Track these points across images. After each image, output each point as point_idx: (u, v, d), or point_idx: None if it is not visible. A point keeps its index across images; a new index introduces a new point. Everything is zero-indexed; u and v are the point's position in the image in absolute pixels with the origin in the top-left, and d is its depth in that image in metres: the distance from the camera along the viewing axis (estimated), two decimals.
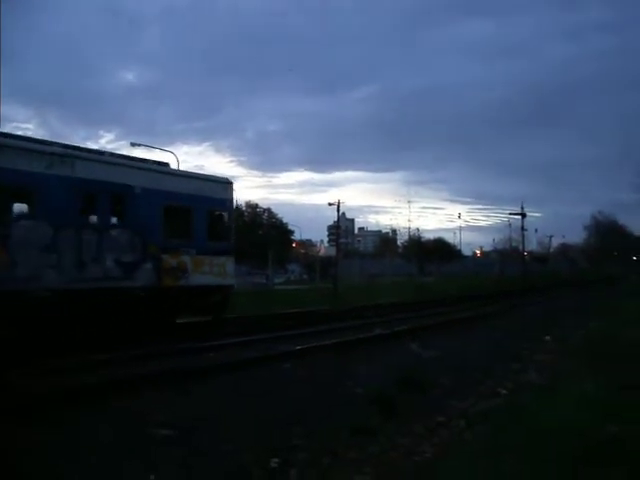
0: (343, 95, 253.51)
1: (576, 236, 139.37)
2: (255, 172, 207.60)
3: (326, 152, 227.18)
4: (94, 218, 16.27)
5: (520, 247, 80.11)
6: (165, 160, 19.89)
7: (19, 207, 15.61)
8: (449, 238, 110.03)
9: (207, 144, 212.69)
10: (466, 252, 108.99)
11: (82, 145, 16.71)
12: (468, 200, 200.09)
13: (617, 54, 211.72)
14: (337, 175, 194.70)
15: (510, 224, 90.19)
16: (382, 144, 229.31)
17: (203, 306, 19.11)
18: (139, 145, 36.67)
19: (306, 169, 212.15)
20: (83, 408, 8.62)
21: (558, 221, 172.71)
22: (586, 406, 7.83)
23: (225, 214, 19.97)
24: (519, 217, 72.15)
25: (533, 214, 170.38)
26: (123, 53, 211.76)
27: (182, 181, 18.55)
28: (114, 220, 16.79)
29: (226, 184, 20.08)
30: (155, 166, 18.38)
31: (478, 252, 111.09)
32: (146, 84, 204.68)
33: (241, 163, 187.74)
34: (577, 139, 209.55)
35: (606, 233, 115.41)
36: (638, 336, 14.78)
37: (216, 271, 18.97)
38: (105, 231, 16.02)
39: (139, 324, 16.59)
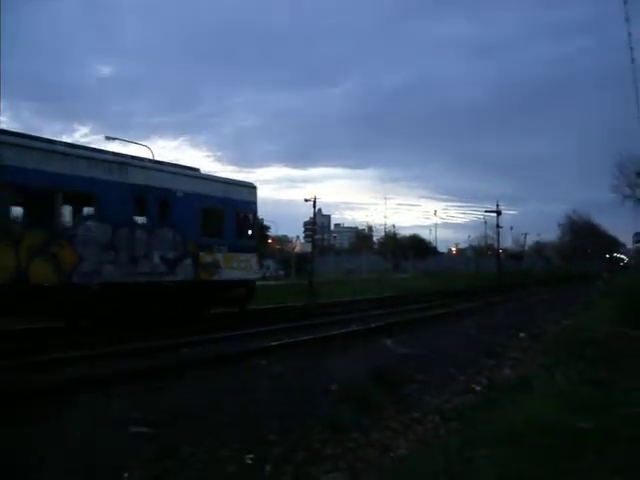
0: (321, 91, 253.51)
1: (551, 234, 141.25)
2: (231, 167, 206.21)
3: (303, 148, 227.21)
4: (143, 219, 18.07)
5: (495, 244, 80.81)
6: (192, 165, 21.68)
7: (84, 209, 17.40)
8: (425, 235, 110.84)
9: (183, 138, 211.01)
10: (442, 249, 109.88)
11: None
12: (444, 197, 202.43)
13: (595, 54, 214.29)
14: (314, 171, 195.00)
15: (485, 221, 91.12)
16: (359, 140, 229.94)
17: (231, 298, 21.25)
18: (114, 139, 36.20)
19: (283, 165, 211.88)
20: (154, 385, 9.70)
21: (533, 219, 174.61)
22: (558, 401, 7.91)
23: (250, 215, 22.19)
24: (494, 214, 72.65)
25: (508, 212, 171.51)
26: (99, 46, 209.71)
27: (215, 185, 20.70)
28: (160, 221, 18.46)
29: (251, 188, 22.34)
30: (193, 172, 20.48)
31: (454, 249, 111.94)
32: (122, 77, 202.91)
33: (217, 158, 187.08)
34: (553, 138, 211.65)
35: (580, 231, 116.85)
36: (609, 332, 14.97)
37: (243, 267, 21.27)
38: (152, 231, 18.00)
39: (179, 314, 18.67)
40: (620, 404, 7.70)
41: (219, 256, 20.21)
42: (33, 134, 16.57)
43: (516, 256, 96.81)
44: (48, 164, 15.35)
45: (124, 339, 15.10)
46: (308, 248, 60.16)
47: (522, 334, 18.52)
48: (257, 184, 22.68)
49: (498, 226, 73.65)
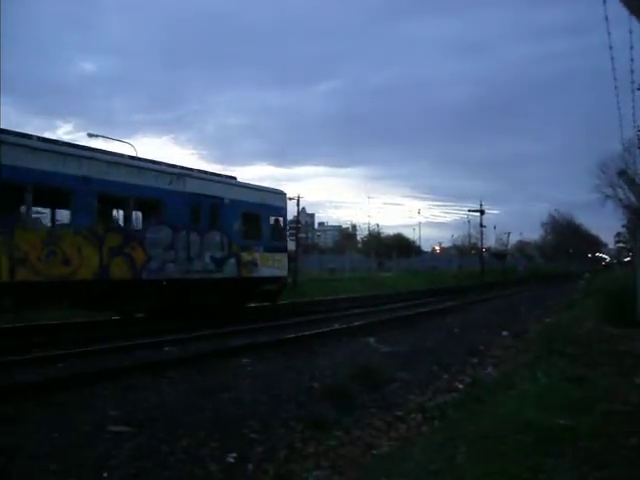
0: (305, 89, 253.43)
1: (534, 233, 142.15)
2: (216, 166, 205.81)
3: (287, 146, 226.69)
4: (197, 223, 20.13)
5: (479, 243, 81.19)
6: (231, 174, 23.89)
7: (151, 215, 19.38)
8: (408, 234, 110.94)
9: (167, 137, 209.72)
10: (425, 248, 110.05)
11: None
12: (428, 196, 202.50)
13: (578, 55, 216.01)
14: (298, 169, 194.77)
15: (469, 220, 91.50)
16: (344, 139, 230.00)
17: (265, 293, 23.51)
18: (97, 136, 35.79)
19: (267, 163, 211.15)
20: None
21: (516, 218, 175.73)
22: (539, 399, 7.94)
23: (281, 219, 24.52)
24: (478, 214, 73.04)
25: (492, 211, 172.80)
26: (81, 42, 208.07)
27: (253, 193, 23.05)
28: (210, 225, 20.72)
29: (282, 195, 24.92)
30: (236, 181, 22.99)
31: (437, 248, 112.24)
32: (105, 74, 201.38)
33: (202, 156, 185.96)
34: (537, 138, 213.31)
35: (562, 231, 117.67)
36: (590, 331, 15.07)
37: (276, 265, 23.63)
38: (204, 234, 20.30)
39: (224, 307, 21.16)
40: (600, 401, 7.74)
41: (257, 255, 22.61)
42: (115, 152, 19.52)
43: (499, 255, 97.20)
44: (126, 177, 17.74)
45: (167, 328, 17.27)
46: (292, 247, 60.15)
47: (505, 332, 18.61)
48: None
49: (481, 225, 74.19)
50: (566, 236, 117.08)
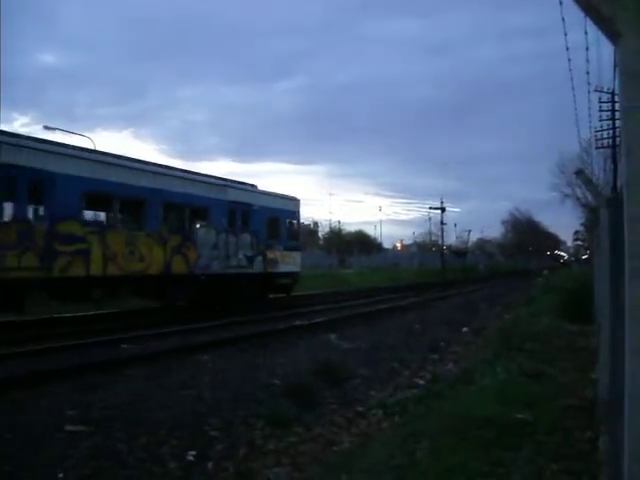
0: (270, 86, 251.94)
1: (494, 231, 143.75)
2: (178, 161, 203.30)
3: (251, 142, 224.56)
4: (233, 226, 23.38)
5: (440, 241, 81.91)
6: (249, 182, 26.65)
7: (200, 220, 22.63)
8: (370, 231, 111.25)
9: (128, 131, 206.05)
10: (387, 245, 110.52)
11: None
12: (390, 194, 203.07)
13: (541, 57, 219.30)
14: (261, 166, 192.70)
15: (430, 218, 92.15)
16: (307, 136, 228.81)
17: (282, 286, 26.79)
18: (54, 129, 34.99)
19: (230, 159, 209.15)
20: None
21: (477, 216, 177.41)
22: (498, 394, 8.03)
23: (295, 222, 28.16)
24: (439, 211, 73.56)
25: (453, 209, 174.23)
26: (41, 33, 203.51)
27: (275, 199, 26.47)
28: (242, 228, 23.98)
29: (297, 201, 28.40)
30: (262, 190, 26.48)
31: (398, 245, 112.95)
32: (64, 67, 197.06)
33: (163, 151, 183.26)
34: (498, 138, 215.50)
35: (522, 229, 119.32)
36: (548, 327, 15.31)
37: (291, 262, 27.10)
38: (238, 235, 23.54)
39: (251, 298, 23.99)
40: (558, 396, 7.86)
41: (277, 254, 25.95)
42: (175, 166, 23.07)
43: (459, 253, 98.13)
44: (184, 188, 20.96)
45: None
46: None
47: (465, 329, 18.80)
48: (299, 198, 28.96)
49: (442, 223, 74.59)
50: (526, 234, 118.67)
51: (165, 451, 6.94)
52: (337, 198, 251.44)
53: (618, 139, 36.68)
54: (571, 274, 34.41)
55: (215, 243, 22.22)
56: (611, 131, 38.67)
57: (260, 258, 24.81)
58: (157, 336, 15.02)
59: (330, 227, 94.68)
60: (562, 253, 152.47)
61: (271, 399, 9.36)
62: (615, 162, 37.22)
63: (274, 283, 26.16)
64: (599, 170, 46.70)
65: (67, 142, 18.86)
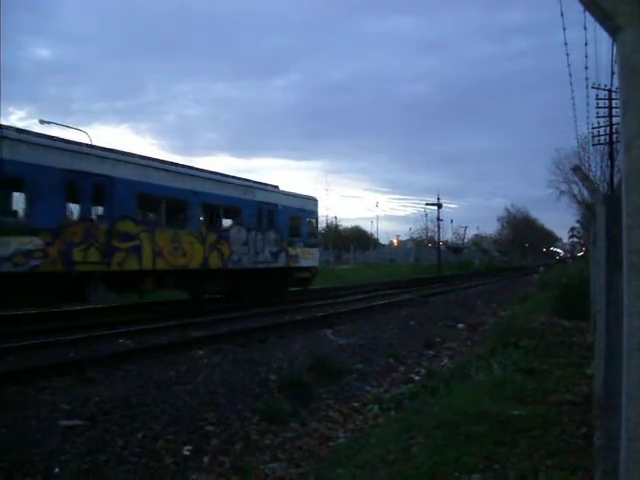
0: (267, 82, 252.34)
1: (490, 228, 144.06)
2: (176, 156, 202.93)
3: (248, 138, 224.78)
4: (261, 225, 25.36)
5: (436, 237, 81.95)
6: (272, 182, 28.36)
7: (233, 219, 24.49)
8: (367, 227, 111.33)
9: (126, 125, 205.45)
10: (383, 241, 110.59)
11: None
12: (387, 190, 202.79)
13: (537, 55, 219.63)
14: (258, 161, 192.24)
15: (426, 214, 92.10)
16: (304, 132, 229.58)
17: (302, 279, 29.04)
18: (49, 123, 34.89)
19: (227, 154, 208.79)
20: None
21: (473, 213, 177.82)
22: (493, 390, 8.05)
23: (314, 220, 30.55)
24: (435, 207, 73.64)
25: (449, 205, 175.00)
26: (38, 27, 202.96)
27: (296, 199, 28.45)
28: (268, 226, 25.90)
29: (315, 200, 30.50)
30: (285, 190, 28.36)
31: (395, 241, 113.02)
32: (62, 61, 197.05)
33: (161, 147, 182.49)
34: (494, 134, 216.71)
35: (518, 225, 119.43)
36: (544, 323, 15.34)
37: (311, 257, 29.25)
38: (265, 233, 25.53)
39: (275, 290, 26.41)
40: (553, 392, 7.88)
41: (299, 250, 28.02)
42: (212, 170, 24.55)
43: (456, 249, 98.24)
44: (219, 190, 23.00)
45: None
46: None
47: (460, 325, 18.83)
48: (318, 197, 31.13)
49: (439, 219, 74.73)
50: (522, 230, 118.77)
51: (161, 446, 6.94)
52: (334, 194, 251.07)
53: (615, 136, 36.77)
54: (567, 270, 34.44)
55: (245, 240, 24.30)
56: (608, 128, 38.72)
57: (283, 254, 26.94)
58: (154, 331, 15.01)
59: (327, 223, 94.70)
60: (558, 250, 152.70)
61: (267, 394, 9.36)
62: (612, 159, 37.29)
63: (295, 277, 28.42)
64: (596, 167, 46.79)
65: (123, 149, 20.63)
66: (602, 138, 40.17)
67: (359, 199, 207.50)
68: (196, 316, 18.20)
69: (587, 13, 1.68)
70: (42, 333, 13.99)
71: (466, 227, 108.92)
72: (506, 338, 12.72)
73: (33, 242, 15.78)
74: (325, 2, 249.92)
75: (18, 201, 16.85)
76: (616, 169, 35.40)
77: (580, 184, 37.74)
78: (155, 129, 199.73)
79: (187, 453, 6.92)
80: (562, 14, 10.36)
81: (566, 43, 11.81)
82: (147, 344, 12.92)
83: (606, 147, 40.22)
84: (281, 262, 26.71)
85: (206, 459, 6.86)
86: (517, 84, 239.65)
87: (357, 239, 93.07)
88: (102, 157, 18.28)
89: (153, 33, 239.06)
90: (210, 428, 7.72)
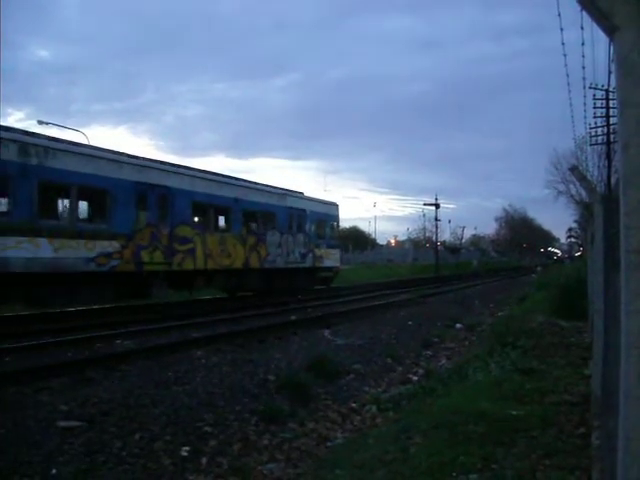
0: (265, 82, 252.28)
1: (488, 228, 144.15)
2: (173, 157, 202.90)
3: (246, 138, 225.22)
4: (292, 228, 28.39)
5: (433, 237, 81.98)
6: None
7: (269, 223, 26.97)
8: (364, 227, 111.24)
9: (124, 126, 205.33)
10: (381, 241, 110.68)
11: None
12: (385, 190, 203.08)
13: (531, 55, 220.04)
14: (256, 161, 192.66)
15: (424, 214, 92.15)
16: (302, 132, 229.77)
17: (325, 278, 32.16)
18: (47, 124, 34.98)
19: (225, 155, 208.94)
20: None
21: (471, 213, 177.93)
22: (491, 390, 8.06)
23: (335, 224, 33.69)
24: (433, 208, 73.69)
25: (447, 205, 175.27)
26: (37, 28, 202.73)
27: (321, 205, 32.01)
28: (298, 229, 28.99)
29: (337, 205, 33.87)
30: (312, 197, 32.25)
31: (392, 241, 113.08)
32: (62, 62, 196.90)
33: (159, 147, 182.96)
34: (491, 134, 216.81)
35: (516, 226, 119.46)
36: (541, 323, 15.36)
37: (332, 258, 32.45)
38: (295, 235, 28.61)
39: (303, 288, 29.30)
40: (551, 392, 7.89)
41: (322, 251, 31.15)
42: (250, 180, 27.91)
43: (454, 249, 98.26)
44: (256, 197, 26.00)
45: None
46: None
47: (458, 325, 18.83)
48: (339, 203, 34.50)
49: (436, 219, 74.79)
50: (519, 231, 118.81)
51: (159, 447, 6.93)
52: (331, 194, 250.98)
53: (612, 136, 36.80)
54: (564, 270, 34.47)
55: (279, 242, 27.17)
56: (605, 128, 38.76)
57: (310, 255, 29.99)
58: (153, 331, 15.00)
59: None
60: (556, 250, 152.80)
61: (266, 395, 9.36)
62: (609, 159, 37.30)
63: (319, 276, 31.51)
64: (593, 167, 46.80)
65: (182, 163, 24.69)
66: (599, 138, 40.26)
67: (357, 199, 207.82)
68: (195, 317, 18.17)
69: (584, 13, 1.69)
70: (41, 334, 13.96)
71: (464, 227, 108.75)
72: (504, 338, 12.73)
73: (112, 245, 18.34)
74: (323, 2, 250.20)
75: (101, 209, 19.00)
76: (613, 169, 35.38)
77: (578, 184, 37.78)
78: (153, 130, 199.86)
79: (185, 454, 6.91)
80: (559, 14, 10.37)
81: (563, 43, 11.81)
82: (146, 345, 12.91)
83: (603, 147, 40.23)
84: (308, 262, 29.79)
85: (204, 460, 6.85)
86: (515, 84, 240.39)
87: (355, 239, 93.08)
88: (164, 170, 21.15)
89: (152, 34, 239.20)
90: (208, 429, 7.71)
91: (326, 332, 15.57)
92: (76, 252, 17.09)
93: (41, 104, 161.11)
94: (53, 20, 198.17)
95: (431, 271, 62.98)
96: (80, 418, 7.47)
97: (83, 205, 19.54)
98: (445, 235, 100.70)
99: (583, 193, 37.77)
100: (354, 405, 9.58)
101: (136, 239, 19.21)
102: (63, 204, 19.29)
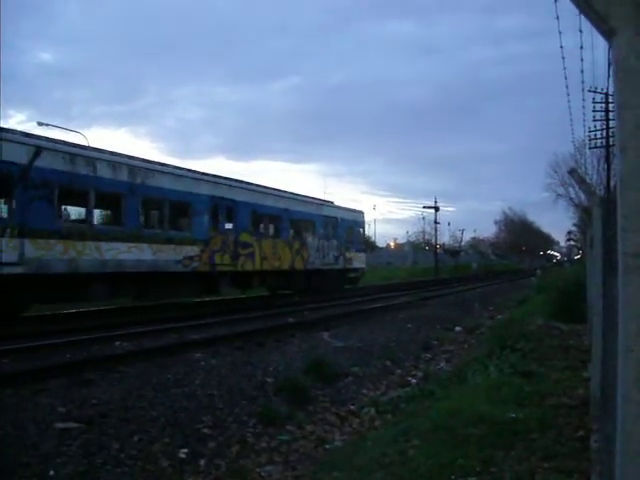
0: (267, 85, 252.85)
1: (487, 231, 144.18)
2: (174, 159, 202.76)
3: (246, 141, 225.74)
4: (327, 234, 31.91)
5: (433, 239, 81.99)
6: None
7: (309, 230, 30.56)
8: None
9: (125, 129, 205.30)
10: (380, 244, 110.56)
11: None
12: (384, 193, 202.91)
13: (530, 59, 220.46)
14: (256, 164, 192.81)
15: (424, 217, 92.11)
16: (302, 135, 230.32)
17: (352, 278, 35.44)
18: (47, 125, 35.09)
19: (225, 157, 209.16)
20: None
21: (470, 216, 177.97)
22: (490, 393, 8.05)
23: (362, 229, 37.95)
24: (433, 210, 73.75)
25: (447, 208, 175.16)
26: (40, 31, 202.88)
27: (350, 213, 35.73)
28: (332, 235, 32.48)
29: (363, 213, 38.03)
30: (342, 205, 36.17)
31: (392, 244, 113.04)
32: (64, 65, 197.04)
33: (160, 150, 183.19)
34: (491, 138, 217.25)
35: (515, 229, 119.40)
36: (541, 326, 15.35)
37: (359, 260, 36.20)
38: (329, 240, 32.06)
39: (335, 287, 32.11)
40: (550, 394, 7.88)
41: (352, 254, 34.72)
42: (296, 192, 31.72)
43: (453, 251, 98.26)
44: (301, 207, 29.75)
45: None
46: None
47: (458, 328, 18.83)
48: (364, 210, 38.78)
49: (436, 222, 74.90)
50: (519, 234, 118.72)
51: (157, 448, 6.92)
52: (331, 197, 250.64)
53: (611, 139, 36.79)
54: (564, 273, 34.49)
55: (317, 247, 30.78)
56: (604, 131, 38.78)
57: (342, 258, 33.51)
58: (151, 333, 14.97)
59: None
60: (555, 253, 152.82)
61: (264, 397, 9.35)
62: (608, 162, 37.32)
63: (349, 276, 34.93)
64: (592, 170, 46.85)
65: (242, 179, 27.07)
66: (598, 141, 40.27)
67: (357, 202, 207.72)
68: (194, 319, 18.14)
69: (582, 16, 1.69)
70: (39, 335, 13.94)
71: (463, 230, 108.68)
72: (503, 341, 12.72)
73: (193, 250, 21.88)
74: (324, 6, 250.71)
75: (185, 220, 22.65)
76: (612, 172, 35.41)
77: (577, 187, 37.77)
78: (154, 132, 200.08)
79: (183, 456, 6.90)
80: (557, 17, 10.38)
81: (562, 46, 11.82)
82: (144, 346, 12.88)
83: (602, 150, 40.27)
84: (340, 264, 33.41)
85: (202, 462, 6.85)
86: (514, 88, 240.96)
87: None
88: (230, 185, 24.68)
89: (154, 37, 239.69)
90: (207, 431, 7.71)
91: (325, 335, 15.55)
92: (168, 255, 20.71)
93: (42, 106, 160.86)
94: (56, 23, 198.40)
95: (430, 274, 63.02)
96: (78, 420, 7.45)
97: (172, 216, 22.21)
98: (444, 238, 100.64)
99: (582, 196, 37.82)
100: (353, 408, 9.58)
101: (211, 244, 22.81)
102: (159, 216, 21.90)
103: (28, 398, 8.40)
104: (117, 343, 13.49)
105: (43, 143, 16.93)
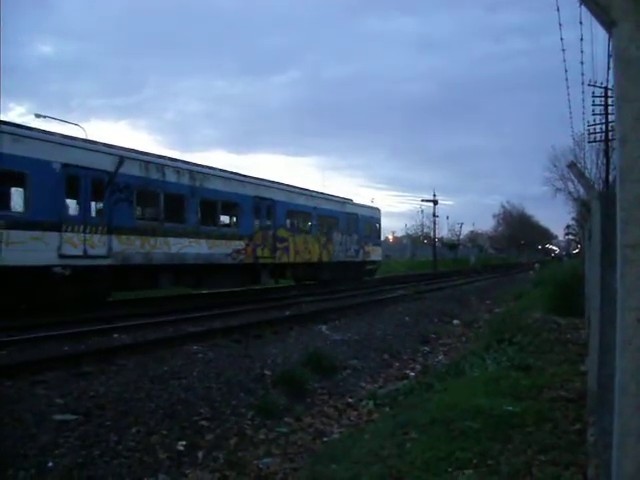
0: (266, 79, 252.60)
1: (486, 225, 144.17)
2: (173, 152, 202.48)
3: (245, 134, 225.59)
4: (348, 229, 34.99)
5: (431, 233, 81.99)
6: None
7: (333, 226, 33.53)
8: None
9: (124, 122, 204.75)
10: None
11: None
12: (383, 186, 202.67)
13: (530, 55, 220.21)
14: (255, 158, 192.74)
15: (422, 210, 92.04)
16: (301, 129, 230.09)
17: (370, 270, 38.97)
18: (45, 117, 34.98)
19: (224, 151, 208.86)
20: None
21: (469, 210, 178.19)
22: (488, 386, 8.06)
23: (377, 225, 40.64)
24: (431, 204, 73.67)
25: (445, 202, 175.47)
26: (40, 24, 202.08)
27: (368, 209, 39.18)
28: (353, 230, 35.64)
29: (379, 210, 41.50)
30: (361, 203, 39.51)
31: (390, 237, 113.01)
32: (64, 58, 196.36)
33: (159, 143, 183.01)
34: (490, 132, 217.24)
35: (513, 222, 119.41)
36: (538, 320, 15.37)
37: (376, 253, 39.67)
38: (350, 235, 35.23)
39: (355, 277, 35.57)
40: (547, 388, 7.90)
41: (369, 247, 38.01)
42: (322, 191, 35.54)
43: (451, 245, 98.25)
44: (326, 205, 33.04)
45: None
46: None
47: (456, 321, 18.85)
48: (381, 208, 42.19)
49: (434, 215, 74.82)
50: (517, 228, 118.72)
51: (155, 440, 6.93)
52: (330, 190, 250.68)
53: (611, 133, 36.78)
54: (562, 267, 34.54)
55: (341, 241, 34.03)
56: (604, 125, 38.74)
57: (361, 251, 36.81)
58: (149, 325, 14.96)
59: None
60: (553, 247, 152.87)
61: (262, 389, 9.36)
62: (607, 156, 37.32)
63: (367, 268, 38.25)
64: (591, 164, 46.84)
65: (279, 180, 30.28)
66: (598, 135, 40.24)
67: (355, 195, 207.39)
68: (191, 311, 18.13)
69: (583, 8, 1.68)
70: (37, 327, 13.94)
71: (462, 224, 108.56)
72: (501, 334, 12.74)
73: (240, 244, 24.90)
74: (326, 1, 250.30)
75: (233, 218, 26.22)
76: (611, 166, 35.45)
77: (576, 181, 37.79)
78: (153, 125, 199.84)
79: (181, 448, 6.91)
80: (558, 9, 10.35)
81: (562, 38, 11.78)
82: (142, 339, 12.88)
83: (602, 144, 40.25)
84: (360, 257, 36.70)
85: (200, 454, 6.86)
86: (514, 83, 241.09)
87: None
88: (269, 186, 27.77)
89: (154, 30, 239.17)
90: (205, 423, 7.72)
91: (323, 327, 15.56)
92: (220, 249, 23.55)
93: (42, 99, 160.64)
94: (56, 16, 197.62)
95: (429, 267, 63.03)
96: (76, 411, 7.45)
97: (224, 214, 25.63)
98: (443, 231, 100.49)
99: (581, 190, 37.80)
100: (351, 400, 9.59)
101: (254, 239, 25.79)
102: (213, 214, 24.21)
103: (26, 390, 8.40)
104: (115, 335, 13.50)
105: (124, 153, 20.02)
